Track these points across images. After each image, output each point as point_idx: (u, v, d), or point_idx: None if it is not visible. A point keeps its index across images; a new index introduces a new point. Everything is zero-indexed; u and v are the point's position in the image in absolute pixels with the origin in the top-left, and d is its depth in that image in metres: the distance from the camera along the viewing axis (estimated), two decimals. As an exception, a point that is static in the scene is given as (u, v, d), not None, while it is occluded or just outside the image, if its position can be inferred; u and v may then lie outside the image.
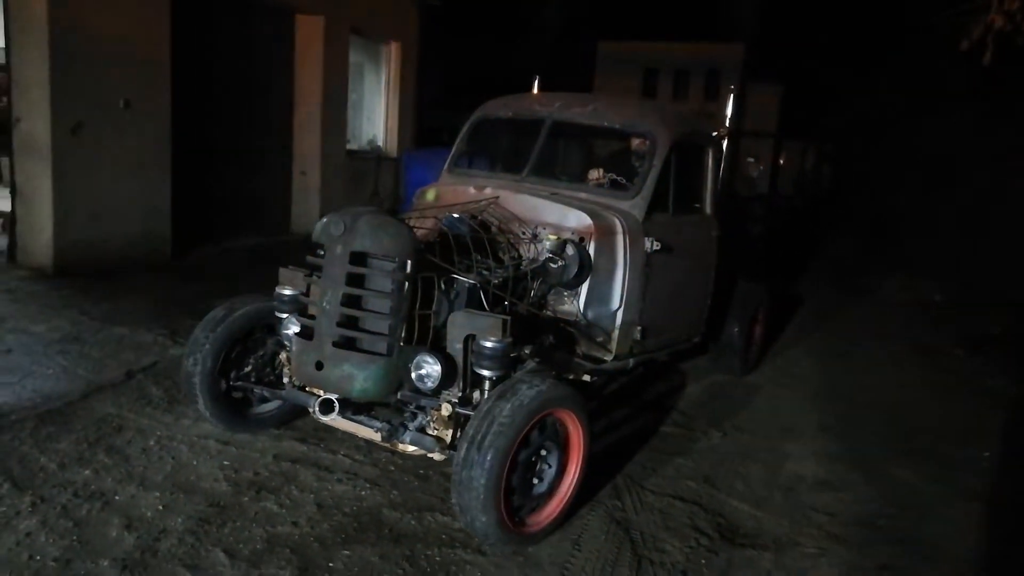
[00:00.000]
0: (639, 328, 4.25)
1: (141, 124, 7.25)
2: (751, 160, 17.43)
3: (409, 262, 3.25)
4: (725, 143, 5.12)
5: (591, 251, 3.92)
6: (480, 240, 3.84)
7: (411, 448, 3.34)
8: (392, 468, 3.77)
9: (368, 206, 3.46)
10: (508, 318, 3.25)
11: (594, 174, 4.52)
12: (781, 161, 17.04)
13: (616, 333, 4.13)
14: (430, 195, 4.46)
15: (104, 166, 6.99)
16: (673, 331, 4.68)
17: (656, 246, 4.16)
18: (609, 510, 3.59)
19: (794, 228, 14.45)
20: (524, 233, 4.07)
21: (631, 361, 4.41)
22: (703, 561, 3.27)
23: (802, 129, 16.70)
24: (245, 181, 9.36)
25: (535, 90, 5.82)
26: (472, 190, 4.30)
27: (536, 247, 3.96)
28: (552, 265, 3.85)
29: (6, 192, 7.13)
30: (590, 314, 4.00)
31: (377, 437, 3.36)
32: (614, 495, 3.74)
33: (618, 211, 4.14)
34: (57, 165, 6.58)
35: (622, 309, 4.10)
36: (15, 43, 6.61)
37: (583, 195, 4.32)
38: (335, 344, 3.24)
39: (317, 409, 3.28)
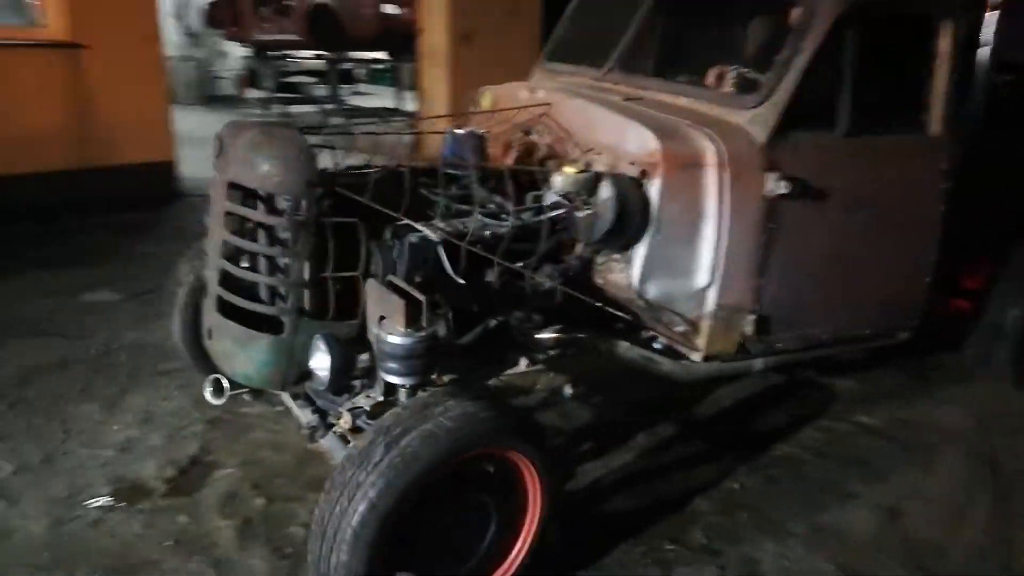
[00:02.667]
0: (753, 317, 2.67)
1: (518, 30, 7.59)
2: None
3: (304, 200, 2.19)
4: (986, 12, 3.02)
5: (654, 194, 2.44)
6: (491, 172, 2.62)
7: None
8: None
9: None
10: (423, 299, 2.05)
11: (715, 71, 2.88)
12: None
13: (707, 323, 2.62)
14: (486, 100, 3.25)
15: (488, 69, 7.73)
16: (840, 322, 2.95)
17: (784, 187, 2.50)
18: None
19: None
20: (576, 159, 2.71)
21: (759, 362, 2.86)
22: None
23: None
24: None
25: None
26: (525, 93, 3.00)
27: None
28: (577, 214, 2.47)
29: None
30: (653, 291, 2.54)
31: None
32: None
33: (724, 128, 2.55)
34: (451, 69, 7.32)
35: (716, 286, 2.57)
36: (421, -39, 7.38)
37: (683, 101, 2.76)
38: (219, 309, 2.36)
39: (207, 390, 2.46)
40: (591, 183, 2.43)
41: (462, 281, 2.33)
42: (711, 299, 2.58)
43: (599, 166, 2.62)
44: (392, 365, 2.07)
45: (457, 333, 2.50)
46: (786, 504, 2.78)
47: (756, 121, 2.55)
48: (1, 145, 5.52)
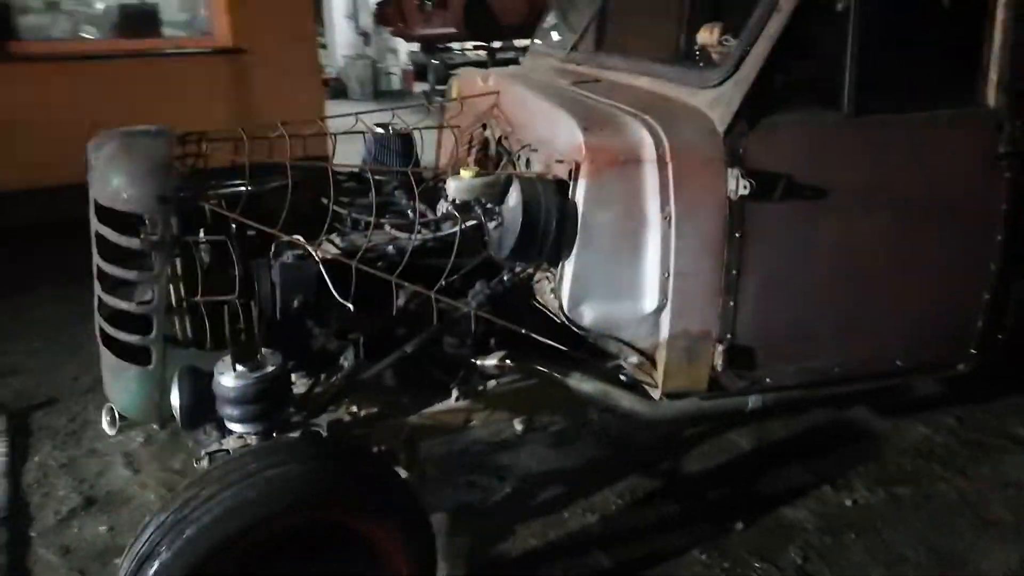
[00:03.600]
0: (723, 347, 2.14)
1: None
2: None
3: (160, 219, 1.95)
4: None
5: (579, 197, 1.99)
6: (413, 176, 2.27)
7: None
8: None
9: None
10: (252, 337, 1.76)
11: (705, 34, 2.34)
12: None
13: (662, 353, 2.13)
14: (453, 89, 2.89)
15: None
16: (861, 352, 2.32)
17: (745, 188, 1.95)
18: None
19: None
20: (519, 157, 2.31)
21: (752, 400, 2.32)
22: None
23: None
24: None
25: None
26: (479, 82, 2.61)
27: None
28: (490, 225, 2.05)
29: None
30: (589, 315, 2.08)
31: None
32: None
33: (678, 113, 2.05)
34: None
35: (669, 309, 2.07)
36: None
37: (642, 81, 2.27)
38: (100, 337, 2.18)
39: (104, 419, 2.30)
40: (498, 187, 2.02)
41: (350, 306, 2.01)
42: (664, 325, 2.09)
43: (536, 165, 2.21)
44: (226, 410, 1.79)
45: (371, 361, 2.20)
46: (907, 526, 2.43)
47: (717, 103, 2.02)
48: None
